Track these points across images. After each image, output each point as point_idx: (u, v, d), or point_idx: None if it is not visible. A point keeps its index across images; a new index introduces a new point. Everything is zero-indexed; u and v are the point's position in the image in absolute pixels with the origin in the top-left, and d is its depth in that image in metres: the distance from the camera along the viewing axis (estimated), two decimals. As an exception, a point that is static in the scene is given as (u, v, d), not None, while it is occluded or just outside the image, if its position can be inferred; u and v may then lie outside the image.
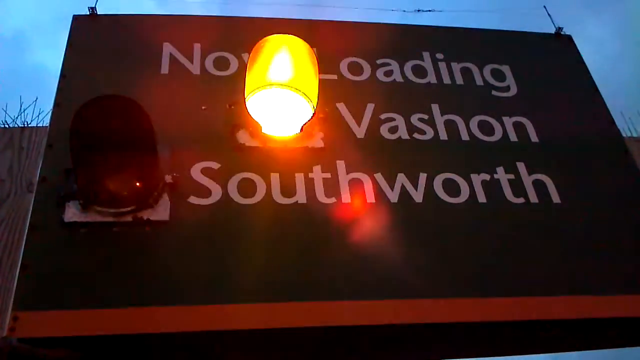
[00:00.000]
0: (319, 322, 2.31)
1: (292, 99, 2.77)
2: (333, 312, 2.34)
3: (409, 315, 2.37)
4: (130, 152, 2.36)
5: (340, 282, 2.42)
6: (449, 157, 2.92)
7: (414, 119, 3.05)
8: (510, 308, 2.44)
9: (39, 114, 3.13)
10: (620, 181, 3.01)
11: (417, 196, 2.73)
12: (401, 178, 2.78)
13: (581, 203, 2.86)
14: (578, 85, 3.42)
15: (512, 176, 2.88)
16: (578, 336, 2.61)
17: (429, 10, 4.02)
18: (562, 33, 3.65)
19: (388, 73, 3.26)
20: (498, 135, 3.07)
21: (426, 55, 3.38)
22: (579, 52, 3.57)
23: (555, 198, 2.84)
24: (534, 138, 3.09)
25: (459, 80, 3.30)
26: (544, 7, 3.79)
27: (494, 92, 3.28)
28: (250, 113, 2.76)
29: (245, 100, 2.76)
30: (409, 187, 2.76)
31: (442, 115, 3.08)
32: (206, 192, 2.60)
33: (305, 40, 2.78)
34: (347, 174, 2.76)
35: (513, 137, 3.08)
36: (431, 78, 3.27)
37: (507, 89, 3.32)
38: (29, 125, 3.06)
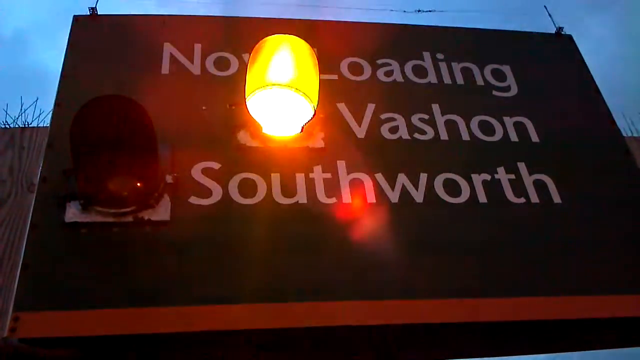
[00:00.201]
0: (319, 322, 2.31)
1: (292, 99, 2.76)
2: (333, 312, 2.34)
3: (409, 315, 2.37)
4: (130, 153, 2.36)
5: (340, 282, 2.42)
6: (449, 157, 2.92)
7: (415, 119, 3.05)
8: (510, 308, 2.44)
9: (40, 114, 3.15)
10: (621, 181, 3.00)
11: (418, 196, 2.73)
12: (402, 178, 2.78)
13: (582, 203, 2.86)
14: (579, 85, 3.42)
15: (512, 176, 2.88)
16: (578, 336, 2.61)
17: (430, 11, 4.03)
18: (562, 33, 3.65)
19: (388, 73, 3.26)
20: (499, 135, 3.07)
21: (427, 55, 3.37)
22: (579, 52, 3.57)
23: (556, 198, 2.84)
24: (534, 138, 3.09)
25: (460, 80, 3.29)
26: (545, 7, 3.79)
27: (494, 92, 3.28)
28: (250, 113, 2.76)
29: (246, 100, 2.75)
30: (410, 187, 2.76)
31: (442, 115, 3.08)
32: (207, 192, 2.60)
33: (305, 40, 2.78)
34: (348, 174, 2.76)
35: (514, 137, 3.08)
36: (432, 78, 3.27)
37: (508, 89, 3.31)
38: (30, 126, 3.07)
